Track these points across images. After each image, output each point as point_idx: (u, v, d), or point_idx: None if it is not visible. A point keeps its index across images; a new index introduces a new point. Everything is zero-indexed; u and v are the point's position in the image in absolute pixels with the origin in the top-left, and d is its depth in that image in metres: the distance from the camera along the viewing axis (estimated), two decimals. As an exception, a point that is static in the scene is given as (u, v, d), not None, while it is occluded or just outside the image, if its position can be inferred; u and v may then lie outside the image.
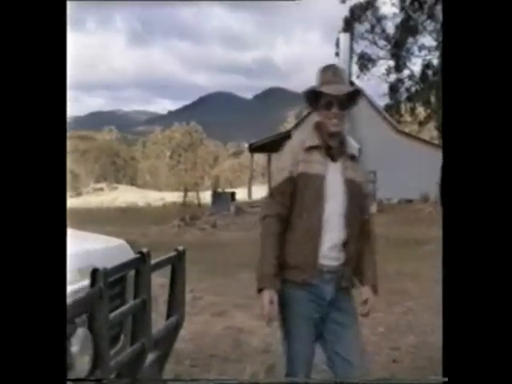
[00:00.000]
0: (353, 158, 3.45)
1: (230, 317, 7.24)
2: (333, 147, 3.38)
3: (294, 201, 3.33)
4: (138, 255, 3.02)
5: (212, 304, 7.42)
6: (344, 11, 37.83)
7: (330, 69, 3.44)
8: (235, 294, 8.64)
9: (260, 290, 3.28)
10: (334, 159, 3.38)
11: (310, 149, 3.36)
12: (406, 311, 7.63)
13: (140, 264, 3.00)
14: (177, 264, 3.49)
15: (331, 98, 3.33)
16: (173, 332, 3.49)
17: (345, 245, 3.35)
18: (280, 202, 3.34)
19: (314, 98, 3.42)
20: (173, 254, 3.46)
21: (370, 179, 25.34)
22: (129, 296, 3.09)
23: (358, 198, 3.40)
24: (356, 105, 3.49)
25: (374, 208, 22.16)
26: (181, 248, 3.52)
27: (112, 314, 2.68)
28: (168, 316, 3.50)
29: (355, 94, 3.46)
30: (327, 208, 3.30)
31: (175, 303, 3.51)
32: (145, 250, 3.02)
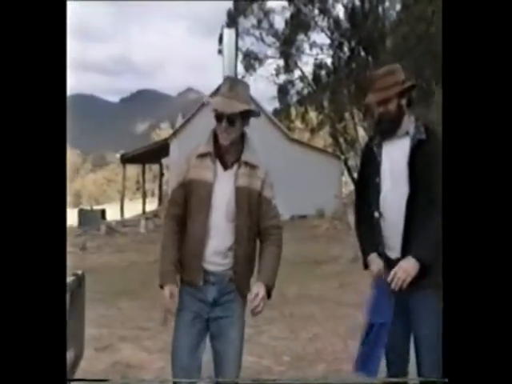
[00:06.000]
0: (249, 165, 3.85)
1: (116, 351, 7.23)
2: (224, 156, 3.84)
3: (186, 205, 3.88)
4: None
5: (94, 338, 7.35)
6: (224, 3, 38.03)
7: (227, 81, 3.92)
8: (119, 325, 8.65)
9: (161, 286, 3.83)
10: (225, 167, 3.84)
11: (202, 156, 3.84)
12: (312, 337, 7.85)
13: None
14: (75, 291, 3.52)
15: (220, 113, 3.77)
16: (70, 368, 3.51)
17: (231, 251, 3.84)
18: (176, 205, 3.95)
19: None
20: (70, 279, 3.50)
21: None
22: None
23: (250, 204, 3.83)
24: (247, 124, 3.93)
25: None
26: (80, 272, 3.57)
27: None
28: (64, 350, 3.52)
29: (251, 112, 3.89)
30: (213, 215, 3.79)
31: (73, 336, 3.54)
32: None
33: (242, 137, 3.89)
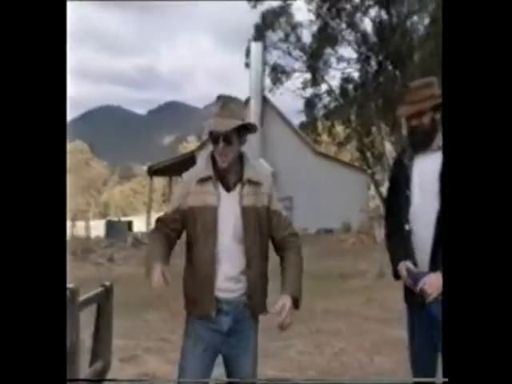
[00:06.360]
0: (252, 182, 3.72)
1: (141, 362, 7.25)
2: (226, 178, 3.71)
3: (186, 233, 3.76)
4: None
5: (119, 348, 7.37)
6: (251, 16, 38.09)
7: (219, 100, 3.74)
8: (144, 336, 8.69)
9: (148, 274, 3.50)
10: (228, 189, 3.71)
11: (202, 180, 3.69)
12: (337, 352, 7.81)
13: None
14: (103, 302, 3.53)
15: (216, 133, 3.65)
16: (97, 380, 3.52)
17: (243, 274, 3.69)
18: (166, 226, 3.79)
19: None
20: (99, 290, 3.51)
21: (285, 204, 25.73)
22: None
23: (259, 222, 3.71)
24: (245, 141, 3.78)
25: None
26: (108, 283, 3.58)
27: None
28: (92, 362, 3.53)
29: (247, 128, 3.76)
30: (221, 239, 3.64)
31: (101, 347, 3.55)
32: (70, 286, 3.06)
33: (241, 155, 3.78)
